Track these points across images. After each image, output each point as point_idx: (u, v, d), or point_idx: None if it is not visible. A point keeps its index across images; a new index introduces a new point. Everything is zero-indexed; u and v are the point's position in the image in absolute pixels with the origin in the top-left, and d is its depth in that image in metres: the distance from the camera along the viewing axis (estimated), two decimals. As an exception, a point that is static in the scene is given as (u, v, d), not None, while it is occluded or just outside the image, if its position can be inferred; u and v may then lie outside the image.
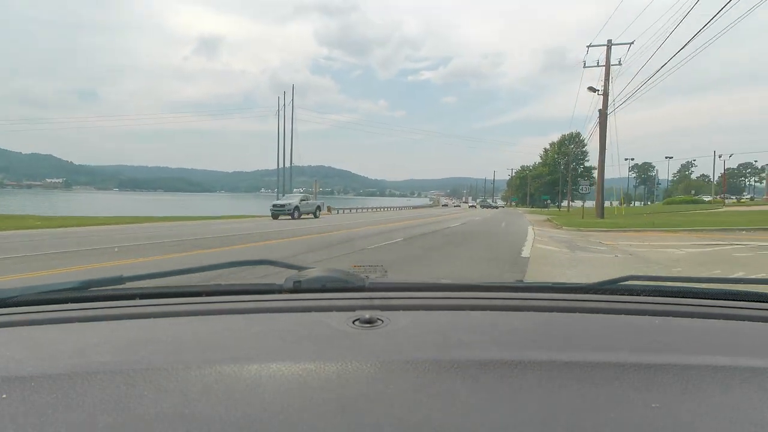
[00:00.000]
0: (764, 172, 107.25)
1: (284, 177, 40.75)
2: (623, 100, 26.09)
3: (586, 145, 78.21)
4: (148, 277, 1.04)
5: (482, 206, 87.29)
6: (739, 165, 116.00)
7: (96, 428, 0.45)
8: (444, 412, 0.48)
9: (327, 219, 26.49)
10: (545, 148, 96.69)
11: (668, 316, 0.84)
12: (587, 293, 0.97)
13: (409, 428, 0.45)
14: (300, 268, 1.05)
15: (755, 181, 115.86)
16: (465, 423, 0.46)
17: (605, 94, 26.61)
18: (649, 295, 0.97)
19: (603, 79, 26.54)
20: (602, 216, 26.65)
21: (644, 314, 0.84)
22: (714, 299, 0.95)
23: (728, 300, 0.95)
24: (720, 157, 66.29)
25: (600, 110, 26.90)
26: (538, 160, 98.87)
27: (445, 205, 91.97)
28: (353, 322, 0.74)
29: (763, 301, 0.93)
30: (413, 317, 0.79)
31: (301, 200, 26.76)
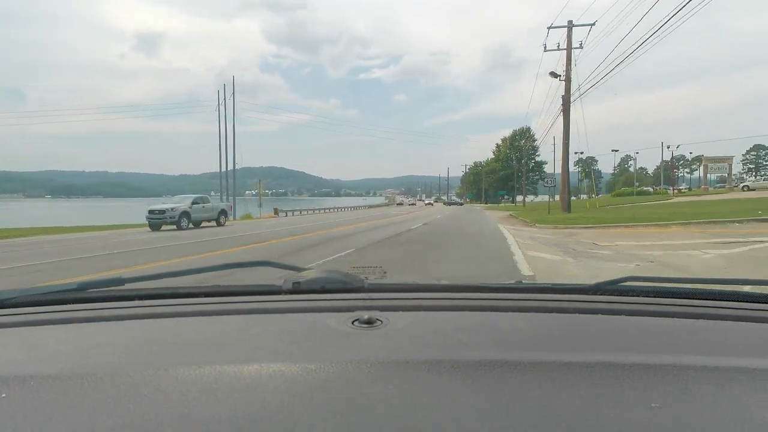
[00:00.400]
0: (696, 164, 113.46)
1: (227, 178, 36.47)
2: (586, 89, 24.58)
3: (536, 140, 74.64)
4: (147, 279, 1.03)
5: (447, 203, 78.54)
6: (672, 157, 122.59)
7: (95, 429, 0.45)
8: (444, 413, 0.48)
9: (261, 224, 21.27)
10: (497, 144, 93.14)
11: (668, 317, 0.83)
12: (587, 294, 0.97)
13: (409, 428, 0.45)
14: (299, 269, 1.06)
15: (687, 173, 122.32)
16: (465, 423, 0.46)
17: (567, 79, 24.88)
18: (648, 296, 0.96)
19: (564, 64, 24.87)
20: (569, 210, 24.93)
21: (644, 315, 0.84)
22: (714, 300, 0.95)
23: (728, 301, 0.94)
24: (668, 147, 68.33)
25: (563, 96, 25.16)
26: (490, 155, 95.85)
27: (401, 204, 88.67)
28: (352, 323, 0.74)
29: (763, 302, 0.92)
30: (412, 318, 0.79)
31: (193, 203, 19.28)
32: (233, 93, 35.65)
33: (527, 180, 79.66)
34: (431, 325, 0.76)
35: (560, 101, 24.92)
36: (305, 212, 40.54)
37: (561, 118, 25.27)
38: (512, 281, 1.13)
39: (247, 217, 29.64)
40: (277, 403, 0.48)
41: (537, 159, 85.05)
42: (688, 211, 19.53)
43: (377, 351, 0.63)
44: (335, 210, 48.39)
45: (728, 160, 57.33)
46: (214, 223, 20.52)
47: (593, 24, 23.96)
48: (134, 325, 0.79)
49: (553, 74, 25.40)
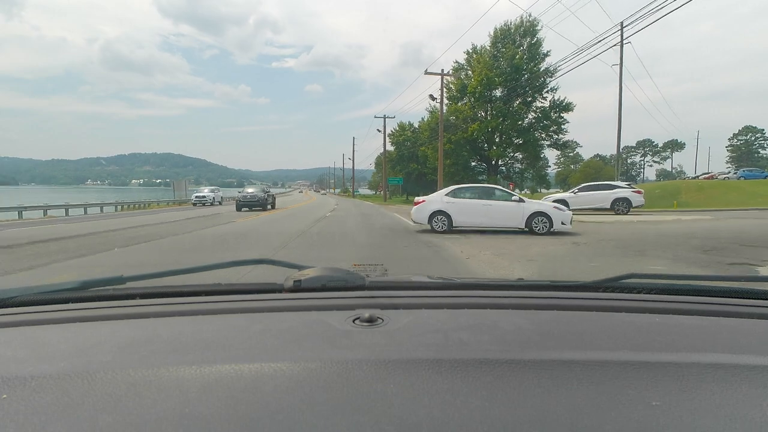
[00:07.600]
0: (667, 150, 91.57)
1: None
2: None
3: (547, 55, 32.56)
4: (148, 277, 1.04)
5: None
6: (637, 142, 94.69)
7: (96, 428, 0.45)
8: (444, 412, 0.48)
9: None
10: (456, 63, 36.73)
11: (669, 313, 0.83)
12: (588, 291, 0.97)
13: (409, 428, 0.45)
14: (300, 267, 1.04)
15: (656, 161, 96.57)
16: (465, 422, 0.46)
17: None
18: (649, 293, 0.95)
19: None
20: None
21: (644, 312, 0.84)
22: (714, 296, 0.95)
23: (729, 297, 0.94)
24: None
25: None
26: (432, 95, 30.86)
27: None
28: (353, 321, 0.74)
29: (763, 298, 0.92)
30: (413, 316, 0.79)
31: None
32: None
33: (531, 143, 33.45)
34: (432, 323, 0.76)
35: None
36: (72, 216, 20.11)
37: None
38: (514, 279, 1.11)
39: None
40: (277, 402, 0.48)
41: (555, 96, 33.79)
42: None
43: (378, 350, 0.63)
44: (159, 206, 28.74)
45: None
46: None
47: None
48: (135, 323, 0.78)
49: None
